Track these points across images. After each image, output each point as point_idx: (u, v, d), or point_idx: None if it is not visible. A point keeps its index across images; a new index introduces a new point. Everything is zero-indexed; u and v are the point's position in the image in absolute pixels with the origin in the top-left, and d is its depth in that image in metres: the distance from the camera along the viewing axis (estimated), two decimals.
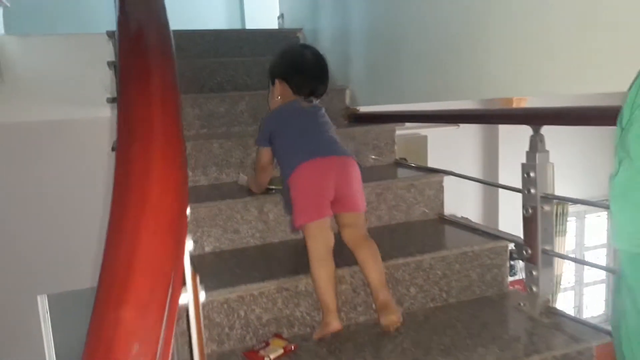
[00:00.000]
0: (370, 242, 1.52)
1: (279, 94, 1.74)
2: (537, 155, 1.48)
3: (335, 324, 1.42)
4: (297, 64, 1.76)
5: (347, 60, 2.61)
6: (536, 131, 1.47)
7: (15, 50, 2.67)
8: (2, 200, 2.71)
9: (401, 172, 2.17)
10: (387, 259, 1.56)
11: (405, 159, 4.74)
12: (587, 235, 5.54)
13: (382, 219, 1.95)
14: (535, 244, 1.52)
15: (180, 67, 2.43)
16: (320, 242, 1.47)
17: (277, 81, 1.75)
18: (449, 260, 1.64)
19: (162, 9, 0.90)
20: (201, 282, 1.47)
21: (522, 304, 1.59)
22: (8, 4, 2.76)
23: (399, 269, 1.58)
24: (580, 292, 5.60)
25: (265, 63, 2.68)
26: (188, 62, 2.61)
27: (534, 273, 1.53)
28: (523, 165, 1.52)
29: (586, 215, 5.48)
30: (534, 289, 1.54)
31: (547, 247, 1.52)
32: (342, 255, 1.57)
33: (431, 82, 1.96)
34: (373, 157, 2.28)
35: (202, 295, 0.84)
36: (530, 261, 1.54)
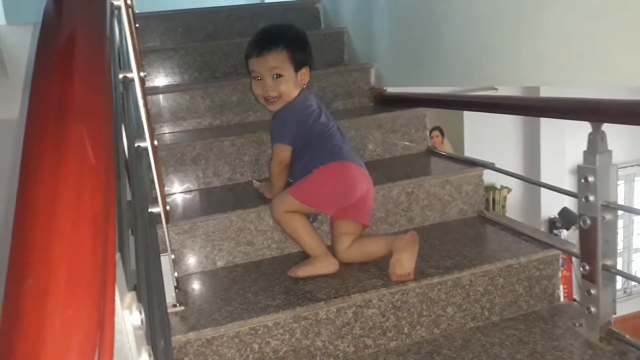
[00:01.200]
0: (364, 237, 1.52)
1: (304, 82, 1.62)
2: (598, 156, 1.23)
3: (335, 263, 1.44)
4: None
5: (371, 34, 2.36)
6: (596, 128, 1.22)
7: (19, 41, 2.51)
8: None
9: (434, 163, 1.95)
10: (420, 278, 1.37)
11: (439, 129, 4.49)
12: (637, 200, 5.20)
13: (414, 221, 1.74)
14: (594, 260, 1.29)
15: (189, 54, 2.27)
16: (293, 210, 1.47)
17: (307, 70, 1.62)
18: (492, 275, 1.44)
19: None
20: (210, 310, 1.33)
21: (577, 324, 1.38)
22: None
23: (434, 289, 1.38)
24: (629, 258, 5.30)
25: None
26: (198, 46, 2.40)
27: (593, 292, 1.31)
28: (580, 167, 1.28)
29: (636, 178, 5.13)
30: (593, 309, 1.32)
31: (609, 263, 1.30)
32: (368, 277, 1.39)
33: (474, 64, 1.71)
34: (402, 145, 2.05)
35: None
36: (589, 279, 1.32)
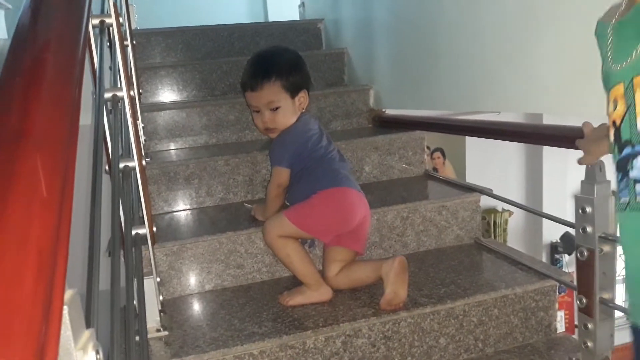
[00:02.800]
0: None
1: (302, 107, 1.56)
2: (596, 187, 1.20)
3: (328, 291, 1.40)
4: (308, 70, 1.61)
5: (371, 56, 2.35)
6: None
7: None
8: None
9: (431, 188, 1.92)
10: (412, 308, 1.33)
11: (441, 150, 4.46)
12: None
13: (409, 246, 1.70)
14: (591, 293, 1.25)
15: (189, 71, 2.26)
16: (287, 234, 1.42)
17: (305, 93, 1.56)
18: (486, 305, 1.39)
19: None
20: (194, 336, 1.29)
21: (574, 359, 1.33)
22: (10, 7, 2.60)
23: (426, 318, 1.34)
24: None
25: None
26: (197, 64, 2.40)
27: (590, 326, 1.27)
28: (577, 198, 1.24)
29: None
30: (590, 344, 1.28)
31: (606, 296, 1.25)
32: (359, 305, 1.35)
33: (473, 89, 1.69)
34: (400, 168, 2.03)
35: None
36: (586, 312, 1.27)
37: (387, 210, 1.66)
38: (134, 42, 1.94)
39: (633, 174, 0.78)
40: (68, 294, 0.46)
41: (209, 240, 1.51)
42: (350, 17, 2.57)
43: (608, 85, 0.84)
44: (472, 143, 4.19)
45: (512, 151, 4.42)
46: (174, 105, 2.12)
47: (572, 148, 1.38)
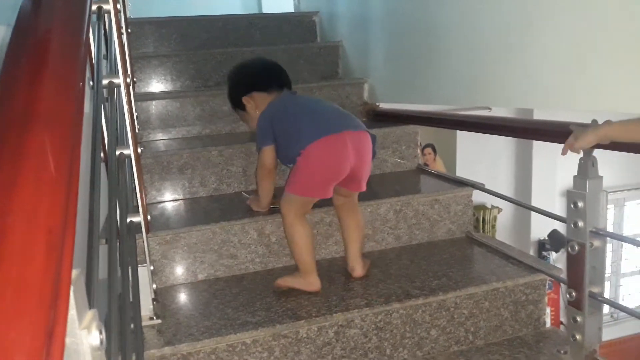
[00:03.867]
0: (358, 211, 1.56)
1: (257, 107, 1.62)
2: (588, 182, 1.22)
3: (317, 284, 1.43)
4: (255, 71, 1.70)
5: (366, 49, 2.35)
6: (587, 153, 1.21)
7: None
8: None
9: (424, 182, 1.93)
10: (404, 299, 1.34)
11: (432, 146, 4.48)
12: (626, 225, 5.21)
13: (401, 239, 1.72)
14: (581, 287, 1.27)
15: (183, 61, 2.25)
16: (303, 209, 1.45)
17: (246, 99, 1.63)
18: (477, 298, 1.41)
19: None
20: (187, 325, 1.29)
21: (562, 352, 1.35)
22: None
23: (418, 310, 1.36)
24: (617, 283, 5.29)
25: (276, 53, 2.47)
26: (192, 54, 2.38)
27: (579, 319, 1.29)
28: (569, 192, 1.26)
29: (626, 203, 5.14)
30: (578, 337, 1.30)
31: (596, 290, 1.28)
32: (352, 296, 1.36)
33: (467, 84, 1.70)
34: (393, 162, 2.04)
35: None
36: (575, 306, 1.29)
37: (381, 203, 1.67)
38: (129, 31, 1.92)
39: None
40: (73, 274, 0.46)
41: (202, 230, 1.51)
42: (345, 10, 2.57)
43: None
44: (463, 139, 4.21)
45: (502, 147, 4.46)
46: (167, 95, 2.11)
47: (562, 143, 1.40)
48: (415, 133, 2.05)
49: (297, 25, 2.85)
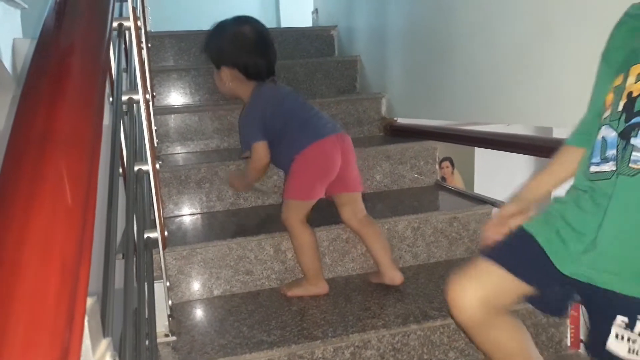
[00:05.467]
0: (372, 222, 1.55)
1: (231, 80, 1.61)
2: None
3: (326, 286, 1.47)
4: (241, 48, 1.59)
5: (384, 64, 2.34)
6: None
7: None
8: None
9: (443, 198, 1.90)
10: (422, 320, 1.31)
11: (449, 159, 4.44)
12: None
13: (419, 257, 1.69)
14: None
15: (202, 75, 2.26)
16: (302, 215, 1.47)
17: (226, 70, 1.61)
18: None
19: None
20: (202, 342, 1.28)
21: None
22: (26, 6, 2.62)
23: (436, 332, 1.33)
24: None
25: (294, 67, 2.48)
26: (211, 68, 2.39)
27: None
28: None
29: None
30: None
31: None
32: (368, 316, 1.34)
33: (486, 100, 1.68)
34: (411, 177, 2.02)
35: None
36: None
37: (398, 220, 1.65)
38: (149, 45, 1.94)
39: (636, 141, 0.83)
40: (88, 302, 0.45)
41: (218, 246, 1.51)
42: (364, 25, 2.57)
43: (634, 61, 0.88)
44: (481, 153, 4.17)
45: (522, 162, 4.40)
46: (186, 109, 2.12)
47: None
48: (434, 149, 2.03)
49: (315, 40, 2.86)
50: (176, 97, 2.36)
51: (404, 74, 2.21)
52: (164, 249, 1.29)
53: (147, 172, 1.23)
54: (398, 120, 2.27)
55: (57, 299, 0.37)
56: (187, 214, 1.81)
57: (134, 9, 1.19)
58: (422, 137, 2.03)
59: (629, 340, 0.84)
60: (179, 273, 1.49)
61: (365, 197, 1.60)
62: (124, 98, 1.18)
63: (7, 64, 2.38)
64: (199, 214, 1.81)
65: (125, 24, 1.18)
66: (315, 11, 3.27)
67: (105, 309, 0.63)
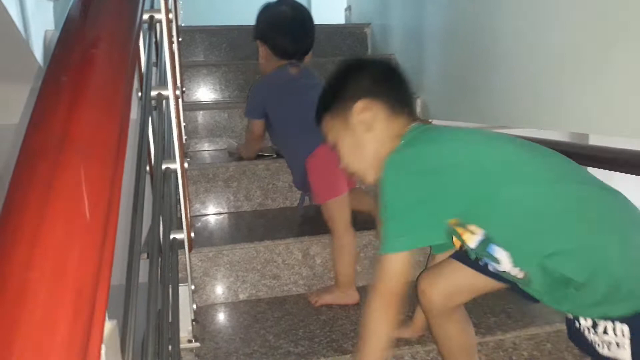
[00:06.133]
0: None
1: (263, 57, 1.68)
2: None
3: (356, 296, 1.42)
4: (273, 25, 1.65)
5: (420, 63, 2.25)
6: None
7: None
8: None
9: None
10: None
11: None
12: None
13: None
14: None
15: (232, 71, 2.21)
16: (345, 213, 1.43)
17: (259, 42, 1.69)
18: (539, 339, 1.29)
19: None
20: (227, 351, 1.23)
21: None
22: None
23: None
24: None
25: (326, 64, 2.41)
26: (241, 64, 2.35)
27: None
28: None
29: None
30: None
31: None
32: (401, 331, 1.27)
33: (528, 104, 1.58)
34: None
35: None
36: None
37: None
38: (180, 39, 1.90)
39: None
40: (107, 328, 0.40)
41: (246, 248, 1.45)
42: (399, 23, 2.49)
43: None
44: None
45: None
46: (215, 105, 2.07)
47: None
48: None
49: (348, 37, 2.79)
50: (206, 92, 2.31)
51: (441, 74, 2.12)
52: (190, 250, 1.24)
53: (175, 171, 1.18)
54: (433, 122, 2.18)
55: (70, 332, 0.31)
56: (214, 212, 1.76)
57: (166, 1, 1.13)
58: None
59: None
60: (204, 275, 1.44)
61: None
62: (153, 93, 1.13)
63: (39, 55, 2.37)
64: (225, 213, 1.77)
65: (157, 16, 1.13)
66: (349, 8, 3.19)
67: (125, 342, 0.57)
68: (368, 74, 1.05)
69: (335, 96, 1.06)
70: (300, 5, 1.69)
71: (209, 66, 2.33)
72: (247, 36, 2.61)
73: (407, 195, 0.90)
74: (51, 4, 2.60)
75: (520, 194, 0.88)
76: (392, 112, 1.02)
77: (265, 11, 1.69)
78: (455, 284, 1.03)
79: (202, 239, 1.52)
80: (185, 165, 1.23)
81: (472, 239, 0.93)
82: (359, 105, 1.01)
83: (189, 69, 2.29)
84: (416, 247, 0.92)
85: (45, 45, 2.49)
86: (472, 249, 0.94)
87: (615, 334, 0.84)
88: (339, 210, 1.42)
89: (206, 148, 2.04)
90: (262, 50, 1.67)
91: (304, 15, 1.66)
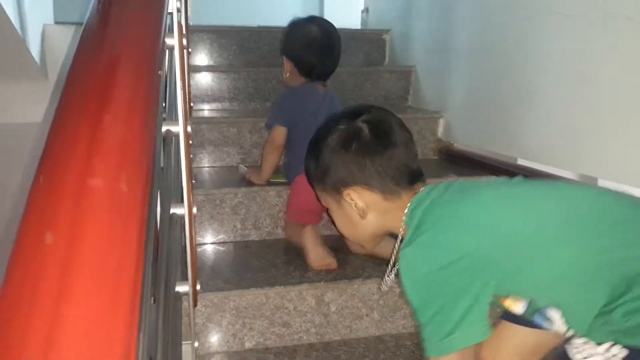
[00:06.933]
0: None
1: (288, 71, 1.67)
2: None
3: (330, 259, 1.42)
4: (301, 44, 1.63)
5: (445, 80, 2.10)
6: None
7: (65, 42, 2.35)
8: None
9: None
10: None
11: None
12: None
13: None
14: None
15: (242, 78, 2.06)
16: (298, 239, 1.48)
17: (284, 58, 1.67)
18: None
19: None
20: None
21: None
22: None
23: None
24: None
25: (342, 75, 2.26)
26: (252, 72, 2.20)
27: None
28: None
29: None
30: None
31: None
32: None
33: (570, 145, 1.45)
34: None
35: None
36: None
37: None
38: (190, 51, 1.75)
39: None
40: None
41: (255, 294, 1.32)
42: (423, 32, 2.33)
43: None
44: None
45: None
46: (224, 120, 1.92)
47: None
48: None
49: (365, 43, 2.63)
50: (213, 101, 2.16)
51: (469, 95, 1.97)
52: (194, 306, 1.11)
53: (182, 217, 1.04)
54: (455, 145, 2.04)
55: None
56: (219, 241, 1.62)
57: (180, 25, 0.98)
58: (488, 172, 1.80)
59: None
60: (207, 321, 1.31)
61: None
62: (162, 129, 0.98)
63: (35, 52, 2.21)
64: (231, 242, 1.63)
65: (168, 42, 0.98)
66: (366, 10, 3.02)
67: None
68: (354, 155, 0.89)
69: (321, 174, 0.93)
70: (330, 26, 1.66)
71: (218, 73, 2.17)
72: (257, 38, 2.46)
73: (437, 298, 0.77)
74: None
75: (562, 259, 0.77)
76: (389, 192, 0.88)
77: (294, 28, 1.67)
78: (518, 345, 0.97)
79: (205, 276, 1.38)
80: (194, 210, 1.09)
81: (518, 306, 0.85)
82: (348, 193, 0.89)
83: (195, 75, 2.13)
84: (464, 346, 0.78)
85: (44, 41, 2.32)
86: (520, 314, 0.85)
87: (608, 352, 0.76)
88: (292, 230, 1.53)
89: (212, 164, 1.90)
90: (288, 65, 1.66)
91: (333, 37, 1.64)
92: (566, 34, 1.45)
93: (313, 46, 1.61)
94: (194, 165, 1.87)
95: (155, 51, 0.69)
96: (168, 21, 1.02)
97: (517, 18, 1.66)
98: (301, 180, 1.45)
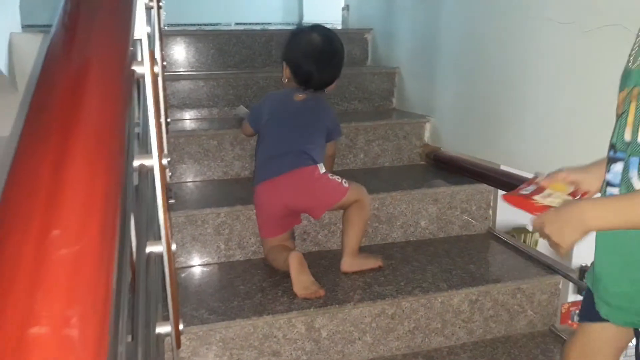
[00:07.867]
0: (360, 205, 1.49)
1: (286, 77, 1.65)
2: None
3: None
4: (301, 52, 1.59)
5: (431, 83, 2.04)
6: None
7: (34, 50, 2.23)
8: None
9: (501, 259, 1.63)
10: None
11: None
12: None
13: (474, 334, 1.44)
14: None
15: (221, 85, 1.98)
16: (274, 253, 1.49)
17: (284, 63, 1.65)
18: None
19: None
20: None
21: None
22: None
23: None
24: None
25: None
26: (231, 78, 2.11)
27: None
28: None
29: None
30: None
31: None
32: None
33: (564, 154, 1.40)
34: (460, 224, 1.75)
35: None
36: None
37: (455, 294, 1.39)
38: (165, 64, 1.66)
39: (608, 176, 0.82)
40: None
41: (242, 325, 1.25)
42: (407, 32, 2.26)
43: (621, 86, 0.85)
44: None
45: None
46: (204, 132, 1.84)
47: None
48: (489, 192, 1.76)
49: (346, 42, 2.52)
50: (192, 109, 2.08)
51: (457, 98, 1.91)
52: (178, 347, 1.04)
53: (161, 256, 0.97)
54: (442, 150, 1.99)
55: None
56: (203, 263, 1.55)
57: (152, 52, 0.91)
58: (474, 178, 1.75)
59: None
60: (193, 355, 1.24)
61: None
62: (135, 164, 0.91)
63: (2, 62, 2.10)
64: (215, 263, 1.56)
65: (138, 70, 0.90)
66: (346, 8, 2.94)
67: None
68: None
69: None
70: (334, 36, 1.63)
71: (195, 80, 2.08)
72: (236, 42, 2.37)
73: None
74: (17, 2, 2.30)
75: None
76: None
77: (296, 35, 1.65)
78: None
79: (188, 306, 1.31)
80: (173, 247, 1.02)
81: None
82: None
83: (172, 84, 2.04)
84: None
85: (11, 50, 2.21)
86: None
87: None
88: (277, 263, 1.47)
89: (192, 179, 1.82)
90: (286, 71, 1.64)
91: (335, 48, 1.61)
92: (552, 40, 1.40)
93: (312, 55, 1.57)
94: (174, 180, 1.79)
95: (120, 86, 0.62)
96: (138, 47, 0.95)
97: (504, 23, 1.61)
98: (260, 188, 1.49)
